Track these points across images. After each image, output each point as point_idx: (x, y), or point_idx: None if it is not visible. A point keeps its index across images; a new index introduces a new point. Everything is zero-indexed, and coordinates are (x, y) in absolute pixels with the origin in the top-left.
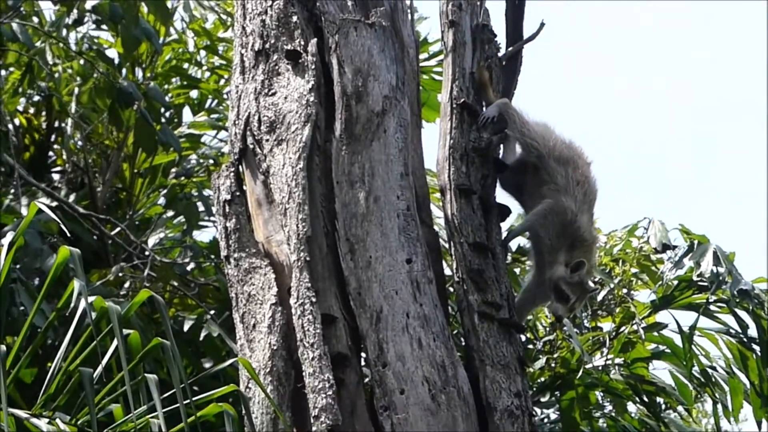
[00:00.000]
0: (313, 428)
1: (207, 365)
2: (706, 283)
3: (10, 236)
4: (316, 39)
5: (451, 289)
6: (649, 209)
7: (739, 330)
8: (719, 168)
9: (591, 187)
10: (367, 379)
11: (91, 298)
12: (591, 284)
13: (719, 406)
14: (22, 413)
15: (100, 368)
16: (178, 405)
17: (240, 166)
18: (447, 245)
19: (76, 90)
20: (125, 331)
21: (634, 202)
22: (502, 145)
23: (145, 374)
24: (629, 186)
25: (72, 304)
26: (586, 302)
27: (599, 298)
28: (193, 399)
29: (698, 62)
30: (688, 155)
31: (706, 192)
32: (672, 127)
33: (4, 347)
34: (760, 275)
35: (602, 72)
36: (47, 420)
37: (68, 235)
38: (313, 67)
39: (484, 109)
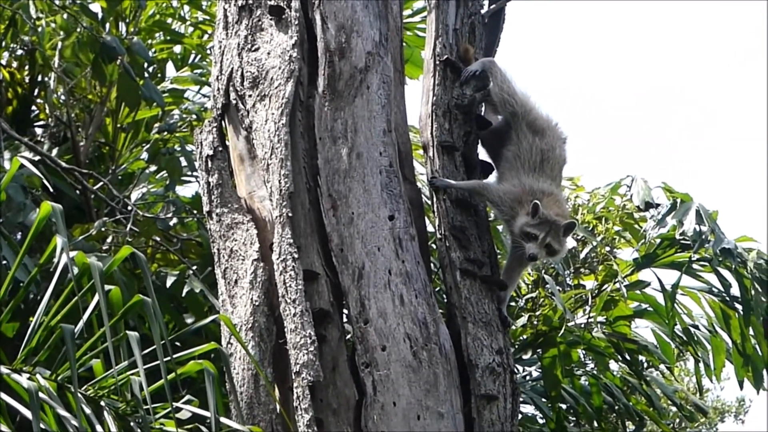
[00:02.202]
0: (295, 384)
1: (189, 321)
2: (689, 242)
3: None
4: None
5: (434, 246)
6: (638, 167)
7: (722, 289)
8: (714, 128)
9: (555, 158)
10: (348, 336)
11: (72, 254)
12: (566, 218)
13: (701, 364)
14: (2, 369)
15: (81, 324)
16: (158, 363)
17: (223, 122)
18: (429, 202)
19: (60, 44)
20: (107, 287)
21: (622, 159)
22: (484, 106)
23: (127, 331)
24: (621, 143)
25: (55, 260)
26: (566, 254)
27: (582, 255)
28: (174, 356)
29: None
30: (681, 113)
31: (695, 150)
32: (665, 83)
33: None
34: (743, 234)
35: (591, 27)
36: (28, 375)
37: (51, 189)
38: (296, 22)
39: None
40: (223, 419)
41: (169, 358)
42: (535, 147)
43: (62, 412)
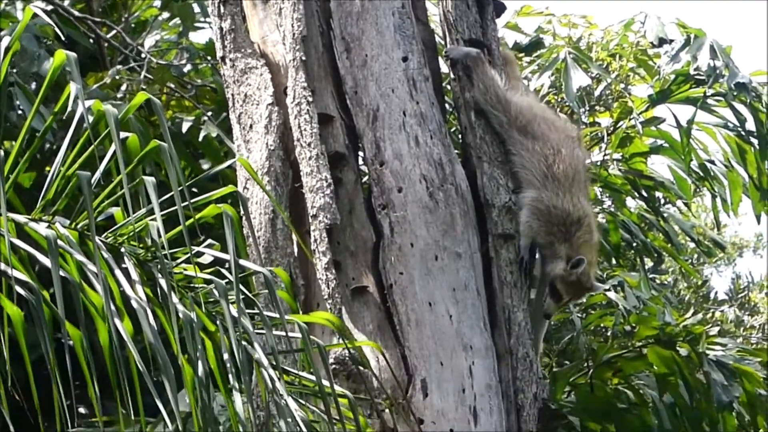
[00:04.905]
0: (312, 227)
1: (205, 166)
2: (703, 77)
3: (6, 40)
4: None
5: (448, 87)
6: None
7: (737, 123)
8: None
9: (568, 162)
10: (364, 178)
11: (88, 102)
12: (592, 282)
13: (718, 200)
14: (21, 218)
15: (98, 173)
16: (176, 208)
17: None
18: (443, 42)
19: None
20: (123, 134)
21: None
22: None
23: (143, 176)
24: None
25: (69, 108)
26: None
27: (597, 93)
28: (192, 201)
29: None
30: None
31: None
32: None
33: (2, 151)
34: (758, 68)
35: None
36: (46, 224)
37: (64, 38)
38: None
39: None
40: (243, 261)
41: (186, 203)
42: (536, 154)
43: (81, 258)
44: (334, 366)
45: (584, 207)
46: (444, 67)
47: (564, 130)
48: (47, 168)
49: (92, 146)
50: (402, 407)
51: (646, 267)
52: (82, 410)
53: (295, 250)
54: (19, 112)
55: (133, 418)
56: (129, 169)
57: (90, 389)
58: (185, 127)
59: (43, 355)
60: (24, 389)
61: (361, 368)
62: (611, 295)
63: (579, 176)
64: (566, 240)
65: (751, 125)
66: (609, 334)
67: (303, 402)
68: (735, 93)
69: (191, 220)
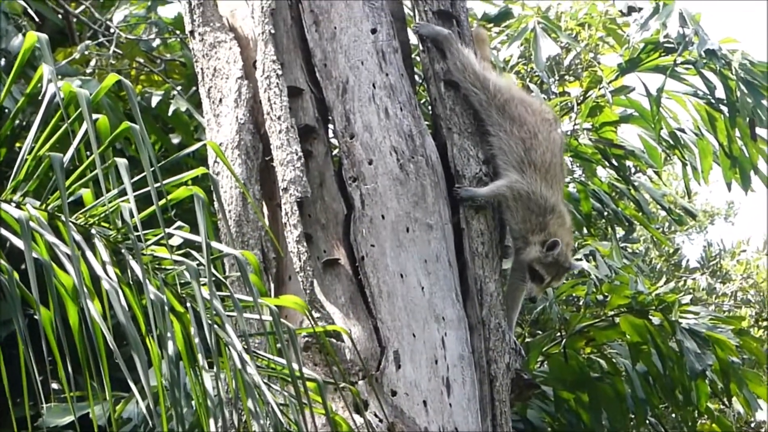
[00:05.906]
0: (282, 201)
1: (176, 141)
2: (672, 45)
3: None
4: None
5: (417, 58)
6: None
7: (707, 91)
8: None
9: (545, 146)
10: (335, 151)
11: (60, 83)
12: (570, 261)
13: (689, 168)
14: None
15: (69, 153)
16: (149, 189)
17: None
18: (411, 13)
19: None
20: (95, 116)
21: None
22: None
23: (116, 159)
24: None
25: (42, 88)
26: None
27: (566, 62)
28: (164, 183)
29: None
30: None
31: None
32: None
33: None
34: (727, 36)
35: None
36: (16, 204)
37: (33, 14)
38: None
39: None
40: (214, 244)
41: (159, 184)
42: (514, 138)
43: (52, 239)
44: (306, 339)
45: (556, 194)
46: (413, 38)
47: (540, 112)
48: (17, 143)
49: (63, 127)
50: (375, 379)
51: (618, 236)
52: (55, 386)
53: (267, 222)
54: None
55: (108, 393)
56: (101, 149)
57: (60, 368)
58: (155, 101)
59: (13, 334)
60: None
61: (334, 341)
62: (583, 264)
63: (555, 160)
64: (541, 230)
65: (720, 93)
66: (581, 303)
67: (270, 385)
68: (705, 60)
69: (163, 201)
